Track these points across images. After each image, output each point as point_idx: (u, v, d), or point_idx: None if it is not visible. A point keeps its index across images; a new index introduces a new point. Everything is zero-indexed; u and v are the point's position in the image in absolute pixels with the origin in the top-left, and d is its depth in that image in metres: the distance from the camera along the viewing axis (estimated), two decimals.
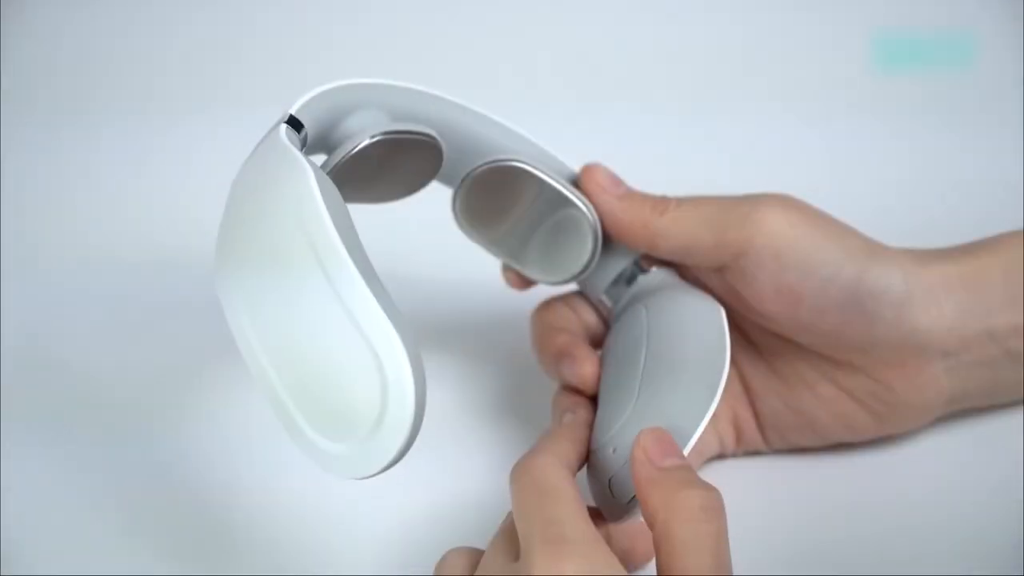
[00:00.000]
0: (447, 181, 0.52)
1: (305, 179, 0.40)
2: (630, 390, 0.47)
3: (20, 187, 0.78)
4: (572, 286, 0.55)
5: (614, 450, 0.45)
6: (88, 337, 0.66)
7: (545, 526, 0.39)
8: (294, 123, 0.44)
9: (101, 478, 0.55)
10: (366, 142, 0.46)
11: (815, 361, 0.51)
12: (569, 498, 0.40)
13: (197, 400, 0.60)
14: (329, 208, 0.39)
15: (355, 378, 0.39)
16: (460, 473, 0.54)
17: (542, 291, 0.55)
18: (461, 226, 0.52)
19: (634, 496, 0.42)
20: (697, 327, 0.49)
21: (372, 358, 0.38)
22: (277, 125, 0.43)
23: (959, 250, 0.51)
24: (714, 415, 0.50)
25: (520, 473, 0.42)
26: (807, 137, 0.80)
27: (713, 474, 0.53)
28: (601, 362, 0.51)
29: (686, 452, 0.43)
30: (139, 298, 0.69)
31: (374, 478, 0.40)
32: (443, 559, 0.44)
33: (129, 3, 0.91)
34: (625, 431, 0.45)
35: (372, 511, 0.52)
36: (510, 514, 0.42)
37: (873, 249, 0.49)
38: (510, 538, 0.42)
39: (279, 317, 0.40)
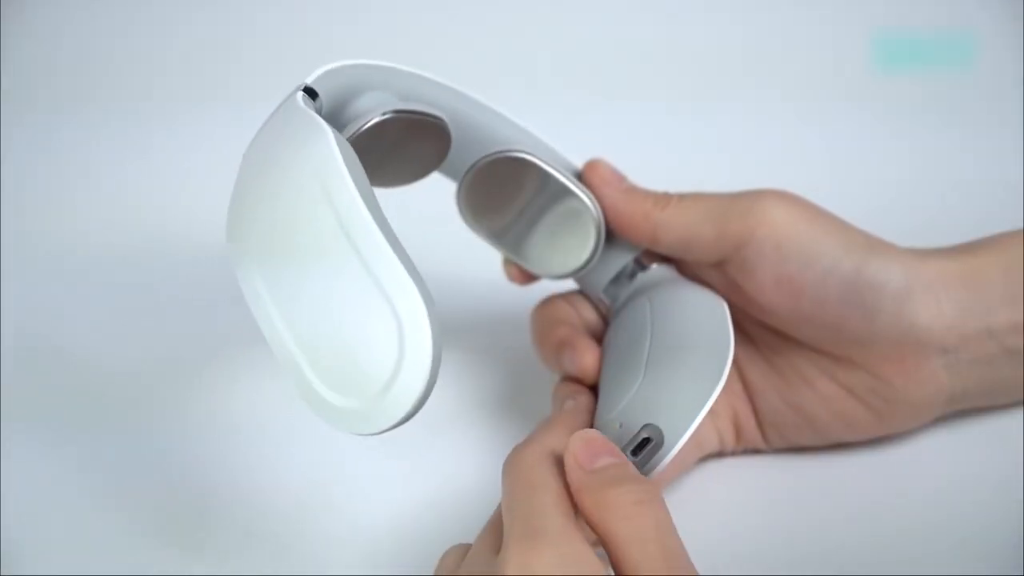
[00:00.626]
0: (450, 173, 0.52)
1: (325, 138, 0.40)
2: (635, 370, 0.48)
3: (20, 183, 0.78)
4: (572, 285, 0.55)
5: (620, 425, 0.45)
6: (87, 335, 0.65)
7: (524, 519, 0.39)
8: (310, 93, 0.44)
9: (101, 477, 0.55)
10: (377, 118, 0.46)
11: (815, 358, 0.51)
12: (552, 491, 0.40)
13: (197, 398, 0.60)
14: (348, 166, 0.40)
15: (372, 332, 0.39)
16: (460, 469, 0.54)
17: (541, 289, 0.55)
18: (464, 217, 0.52)
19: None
20: (701, 315, 0.49)
21: (390, 312, 0.38)
22: (294, 92, 0.44)
23: (959, 249, 0.51)
24: (714, 411, 0.51)
25: (508, 465, 0.42)
26: (807, 137, 0.80)
27: (713, 473, 0.53)
28: (602, 354, 0.51)
29: (700, 418, 0.43)
30: (139, 294, 0.69)
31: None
32: (444, 556, 0.44)
33: (129, 2, 0.91)
34: (633, 406, 0.46)
35: (372, 507, 0.52)
36: (499, 506, 0.42)
37: (873, 244, 0.50)
38: (495, 532, 0.42)
39: (294, 272, 0.40)
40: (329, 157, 0.40)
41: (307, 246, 0.40)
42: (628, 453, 0.44)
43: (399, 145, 0.48)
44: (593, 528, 0.40)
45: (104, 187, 0.79)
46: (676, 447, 0.44)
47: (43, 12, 0.89)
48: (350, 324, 0.39)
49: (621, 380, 0.48)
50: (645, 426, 0.44)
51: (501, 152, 0.51)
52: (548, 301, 0.55)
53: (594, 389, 0.51)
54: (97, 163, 0.81)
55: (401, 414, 0.39)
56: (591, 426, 0.47)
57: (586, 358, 0.51)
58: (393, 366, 0.39)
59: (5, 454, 0.56)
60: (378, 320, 0.39)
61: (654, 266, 0.53)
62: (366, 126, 0.46)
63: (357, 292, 0.39)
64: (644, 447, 0.44)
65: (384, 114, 0.46)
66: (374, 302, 0.39)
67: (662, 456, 0.44)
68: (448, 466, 0.55)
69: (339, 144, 0.40)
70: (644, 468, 0.44)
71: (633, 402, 0.46)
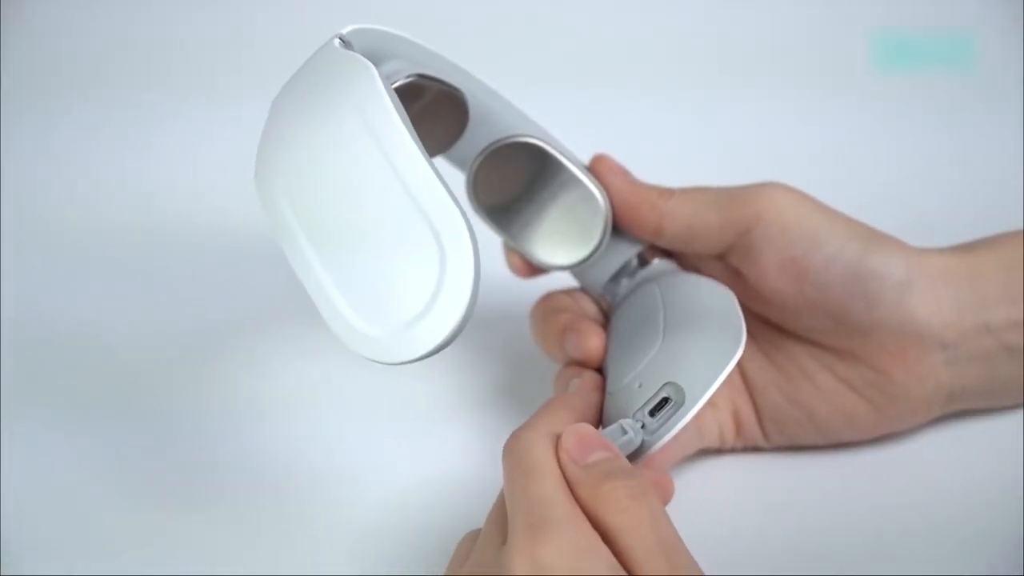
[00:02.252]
0: (458, 161, 0.52)
1: (367, 71, 0.41)
2: (653, 336, 0.48)
3: (21, 176, 0.78)
4: (574, 282, 0.55)
5: (640, 385, 0.46)
6: (86, 332, 0.65)
7: (528, 507, 0.39)
8: (345, 43, 0.44)
9: (100, 476, 0.55)
10: (403, 80, 0.46)
11: (815, 352, 0.51)
12: (554, 476, 0.40)
13: (197, 392, 0.60)
14: (391, 98, 0.40)
15: (412, 258, 0.39)
16: (462, 458, 0.55)
17: (541, 286, 0.56)
18: (472, 203, 0.53)
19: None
20: (710, 295, 0.50)
21: (433, 240, 0.39)
22: (330, 40, 0.44)
23: (959, 247, 0.52)
24: (714, 404, 0.52)
25: (508, 450, 0.42)
26: (806, 137, 0.80)
27: (713, 472, 0.53)
28: (608, 338, 0.52)
29: (723, 376, 0.44)
30: (139, 288, 0.69)
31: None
32: (459, 544, 0.44)
33: None
34: (653, 366, 0.46)
35: (372, 495, 0.53)
36: (503, 491, 0.42)
37: (876, 235, 0.50)
38: (500, 519, 0.41)
39: (330, 203, 0.41)
40: (372, 87, 0.40)
41: (346, 175, 0.40)
42: (646, 413, 0.44)
43: (417, 120, 0.48)
44: (589, 520, 0.40)
45: (104, 179, 0.79)
46: (698, 404, 0.44)
47: (43, 6, 0.89)
48: (390, 250, 0.39)
49: (637, 347, 0.48)
50: (666, 384, 0.45)
51: (514, 137, 0.51)
52: (549, 295, 0.55)
53: (598, 373, 0.51)
54: (98, 155, 0.81)
55: (439, 339, 0.39)
56: (601, 401, 0.48)
57: (592, 340, 0.51)
58: (432, 293, 0.39)
59: (5, 452, 0.56)
60: (420, 246, 0.39)
61: (656, 260, 0.53)
62: (392, 86, 0.46)
63: (400, 220, 0.39)
64: (662, 407, 0.44)
65: (409, 77, 0.46)
66: (417, 229, 0.39)
67: (682, 415, 0.44)
68: (450, 456, 0.55)
69: (381, 79, 0.41)
70: (663, 427, 0.44)
71: (653, 363, 0.46)
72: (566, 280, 0.56)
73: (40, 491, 0.54)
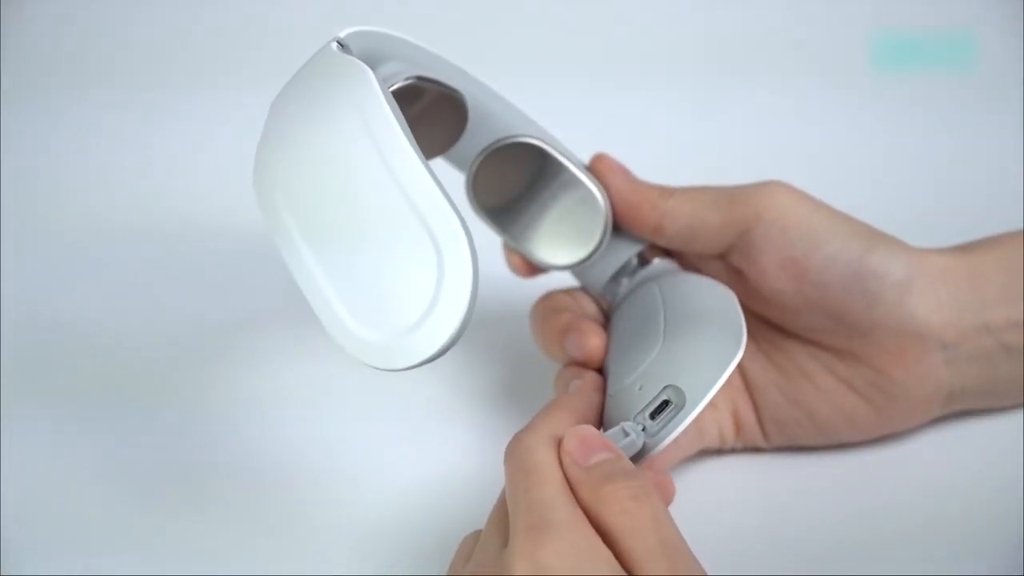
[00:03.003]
0: (457, 161, 0.52)
1: (365, 74, 0.41)
2: (653, 338, 0.48)
3: (22, 169, 0.79)
4: (574, 282, 0.55)
5: (640, 388, 0.46)
6: (84, 331, 0.66)
7: (528, 508, 0.39)
8: (342, 47, 0.44)
9: (100, 475, 0.55)
10: (402, 82, 0.46)
11: (815, 352, 0.51)
12: (556, 479, 0.40)
13: (198, 390, 0.60)
14: (389, 102, 0.40)
15: (410, 263, 0.39)
16: (462, 458, 0.55)
17: (540, 285, 0.56)
18: (472, 203, 0.53)
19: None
20: (710, 295, 0.50)
21: (431, 244, 0.39)
22: (328, 43, 0.44)
23: (959, 247, 0.52)
24: (714, 404, 0.51)
25: (510, 453, 0.42)
26: (806, 136, 0.80)
27: (713, 472, 0.53)
28: (608, 337, 0.52)
29: (722, 380, 0.44)
30: (139, 284, 0.69)
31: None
32: (461, 544, 0.44)
33: None
34: (653, 369, 0.46)
35: (371, 496, 0.53)
36: (503, 492, 0.42)
37: (876, 235, 0.50)
38: (501, 520, 0.41)
39: (329, 206, 0.40)
40: (369, 92, 0.40)
41: (344, 179, 0.40)
42: (647, 416, 0.44)
43: (416, 121, 0.48)
44: (591, 521, 0.40)
45: (105, 179, 0.79)
46: (698, 408, 0.44)
47: (43, 6, 0.89)
48: (388, 255, 0.39)
49: (638, 348, 0.48)
50: (666, 387, 0.45)
51: (514, 137, 0.51)
52: (549, 294, 0.55)
53: (598, 373, 0.51)
54: (98, 155, 0.81)
55: (438, 345, 0.39)
56: (601, 403, 0.48)
57: (592, 340, 0.51)
58: (430, 298, 0.39)
59: (5, 452, 0.56)
60: (417, 251, 0.39)
61: (656, 260, 0.53)
62: (390, 89, 0.46)
63: (397, 224, 0.39)
64: (663, 410, 0.44)
65: (407, 79, 0.46)
66: (414, 233, 0.39)
67: (683, 418, 0.44)
68: (450, 456, 0.55)
69: (379, 83, 0.41)
70: (664, 430, 0.44)
71: (653, 365, 0.46)
72: (566, 280, 0.56)
73: (40, 491, 0.54)
